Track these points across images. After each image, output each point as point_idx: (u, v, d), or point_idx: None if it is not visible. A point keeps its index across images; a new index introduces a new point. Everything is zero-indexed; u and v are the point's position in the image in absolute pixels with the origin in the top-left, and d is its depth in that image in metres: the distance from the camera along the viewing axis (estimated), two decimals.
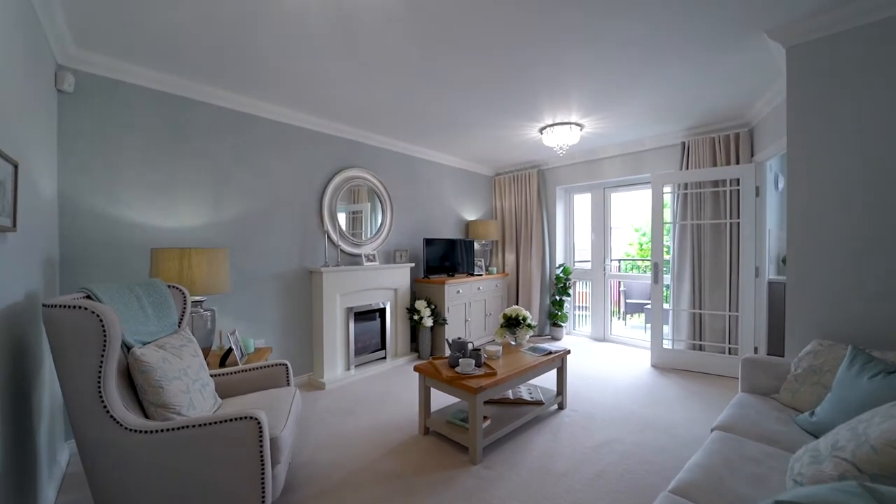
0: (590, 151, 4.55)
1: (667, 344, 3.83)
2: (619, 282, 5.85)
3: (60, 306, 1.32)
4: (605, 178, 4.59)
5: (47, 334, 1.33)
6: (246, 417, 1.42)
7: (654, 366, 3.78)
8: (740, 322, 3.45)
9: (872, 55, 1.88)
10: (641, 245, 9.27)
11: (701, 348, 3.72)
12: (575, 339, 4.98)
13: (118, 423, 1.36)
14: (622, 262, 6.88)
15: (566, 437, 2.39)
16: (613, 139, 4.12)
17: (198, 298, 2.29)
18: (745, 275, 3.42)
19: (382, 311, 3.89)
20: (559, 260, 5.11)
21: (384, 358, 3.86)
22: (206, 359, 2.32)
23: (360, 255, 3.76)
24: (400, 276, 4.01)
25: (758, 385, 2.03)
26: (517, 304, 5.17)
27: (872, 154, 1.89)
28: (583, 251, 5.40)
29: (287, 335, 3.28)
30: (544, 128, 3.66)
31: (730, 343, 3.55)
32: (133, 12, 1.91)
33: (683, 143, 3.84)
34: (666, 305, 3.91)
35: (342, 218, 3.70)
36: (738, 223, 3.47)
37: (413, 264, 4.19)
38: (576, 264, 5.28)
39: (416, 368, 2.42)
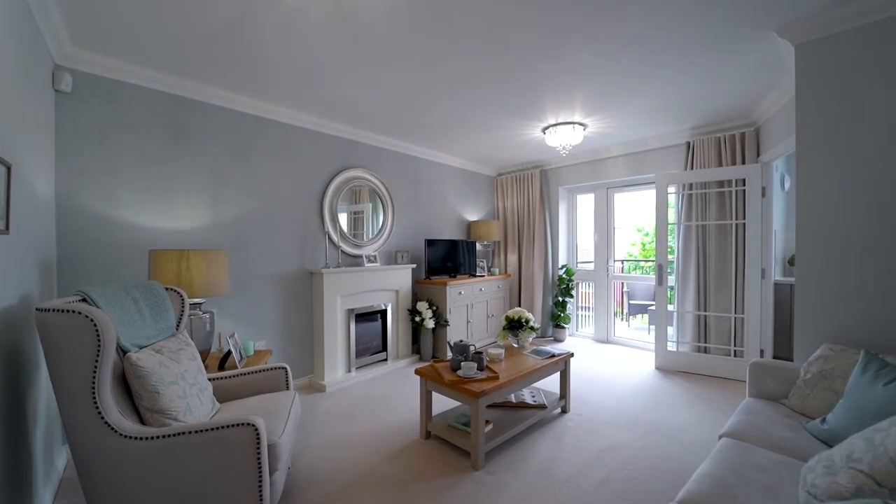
0: (593, 151, 4.51)
1: (671, 346, 3.78)
2: (622, 283, 5.81)
3: (54, 310, 1.29)
4: (608, 178, 4.54)
5: (41, 339, 1.31)
6: (243, 424, 1.39)
7: (658, 368, 3.74)
8: (746, 324, 3.40)
9: (885, 52, 1.83)
10: (644, 245, 9.21)
11: (706, 351, 3.67)
12: (578, 340, 4.93)
13: (113, 429, 1.33)
14: (625, 262, 6.84)
15: (570, 442, 2.36)
16: (617, 139, 4.08)
17: (196, 300, 2.27)
18: (751, 276, 3.37)
19: (384, 313, 3.86)
20: (562, 261, 5.07)
21: (385, 360, 3.83)
22: (204, 361, 2.30)
23: (361, 256, 3.73)
24: (401, 277, 3.97)
25: (766, 390, 1.98)
26: (519, 305, 5.13)
27: (885, 153, 1.84)
28: (585, 252, 5.36)
29: (287, 337, 3.25)
30: (547, 127, 3.62)
31: (735, 346, 3.50)
32: (131, 11, 1.88)
33: (688, 143, 3.79)
34: (670, 307, 3.86)
35: (343, 218, 3.67)
36: (744, 224, 3.42)
37: (414, 265, 4.16)
38: (578, 265, 5.24)
39: (417, 372, 2.38)
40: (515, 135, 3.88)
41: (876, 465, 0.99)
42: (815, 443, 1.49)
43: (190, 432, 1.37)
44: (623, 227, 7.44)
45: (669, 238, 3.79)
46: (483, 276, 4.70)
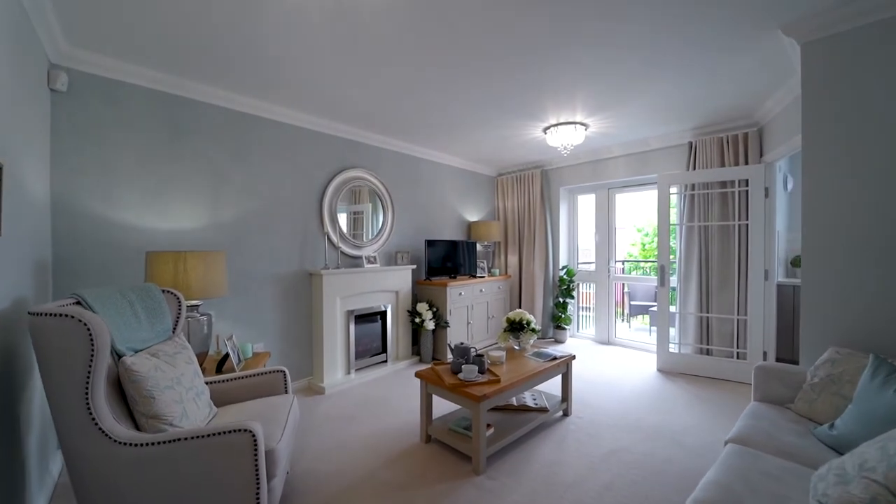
0: (594, 151, 4.48)
1: (673, 348, 3.76)
2: (623, 284, 5.79)
3: (46, 314, 1.26)
4: (609, 178, 4.51)
5: (33, 343, 1.28)
6: (240, 430, 1.36)
7: (660, 370, 3.71)
8: (749, 326, 3.37)
9: (892, 51, 1.80)
10: (644, 245, 9.18)
11: (708, 352, 3.65)
12: (579, 341, 4.91)
13: (106, 435, 1.30)
14: (625, 263, 6.81)
15: (572, 446, 2.33)
16: (618, 139, 4.05)
17: (194, 302, 2.24)
18: (754, 277, 3.34)
19: (383, 314, 3.83)
20: (562, 261, 5.04)
21: (385, 361, 3.80)
22: (202, 364, 2.27)
23: (360, 257, 3.70)
24: (401, 278, 3.95)
25: (771, 394, 1.96)
26: (520, 306, 5.10)
27: (894, 152, 1.81)
28: (586, 252, 5.33)
29: (286, 339, 3.22)
30: (548, 127, 3.59)
31: (738, 347, 3.47)
32: (128, 9, 1.85)
33: (690, 143, 3.76)
34: (672, 308, 3.83)
35: (343, 219, 3.64)
36: (747, 225, 3.39)
37: (414, 266, 4.13)
38: (579, 266, 5.21)
39: (417, 375, 2.36)
40: (516, 134, 3.85)
41: (891, 475, 0.97)
42: (824, 449, 1.46)
43: (186, 438, 1.34)
44: (623, 228, 7.40)
45: (671, 239, 3.76)
46: (483, 276, 4.68)
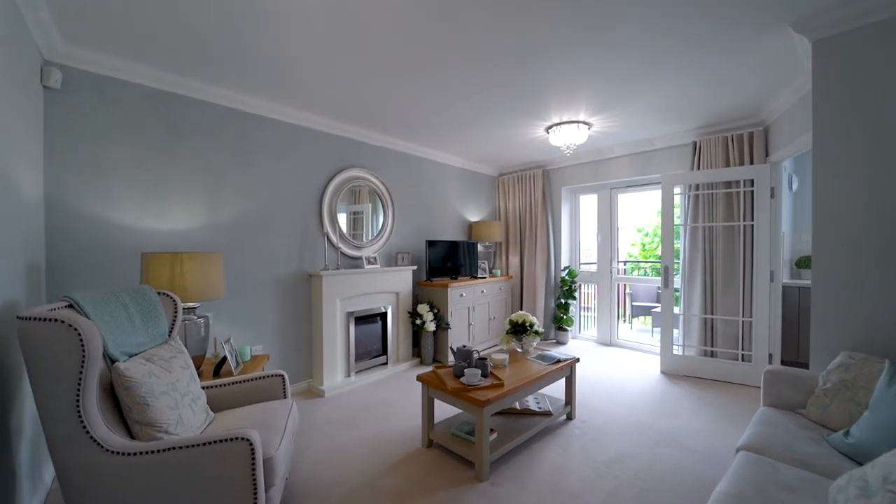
0: (597, 151, 4.44)
1: (677, 350, 3.71)
2: (624, 284, 5.74)
3: (35, 319, 1.21)
4: (612, 178, 4.47)
5: (21, 349, 1.23)
6: (237, 438, 1.32)
7: (663, 372, 3.67)
8: (754, 328, 3.33)
9: None
10: (644, 245, 9.13)
11: (713, 355, 3.60)
12: (581, 343, 4.86)
13: (98, 444, 1.25)
14: (626, 263, 6.77)
15: (577, 451, 2.28)
16: (622, 138, 4.00)
17: (191, 305, 2.19)
18: (760, 279, 3.30)
19: (384, 316, 3.78)
20: (564, 262, 5.00)
21: (385, 363, 3.76)
22: (199, 367, 2.22)
23: (360, 258, 3.65)
24: (402, 279, 3.90)
25: (782, 399, 1.91)
26: (521, 307, 5.06)
27: None
28: (587, 252, 5.29)
29: (285, 341, 3.17)
30: (551, 127, 3.55)
31: (743, 350, 3.43)
32: (123, 6, 1.81)
33: (695, 143, 3.72)
34: (675, 310, 3.79)
35: (342, 219, 3.59)
36: (752, 225, 3.35)
37: (415, 267, 4.09)
38: (581, 266, 5.16)
39: (419, 378, 2.31)
40: (518, 134, 3.80)
41: None
42: (840, 458, 1.42)
43: (180, 447, 1.29)
44: (624, 228, 7.36)
45: (675, 239, 3.72)
46: (485, 277, 4.63)
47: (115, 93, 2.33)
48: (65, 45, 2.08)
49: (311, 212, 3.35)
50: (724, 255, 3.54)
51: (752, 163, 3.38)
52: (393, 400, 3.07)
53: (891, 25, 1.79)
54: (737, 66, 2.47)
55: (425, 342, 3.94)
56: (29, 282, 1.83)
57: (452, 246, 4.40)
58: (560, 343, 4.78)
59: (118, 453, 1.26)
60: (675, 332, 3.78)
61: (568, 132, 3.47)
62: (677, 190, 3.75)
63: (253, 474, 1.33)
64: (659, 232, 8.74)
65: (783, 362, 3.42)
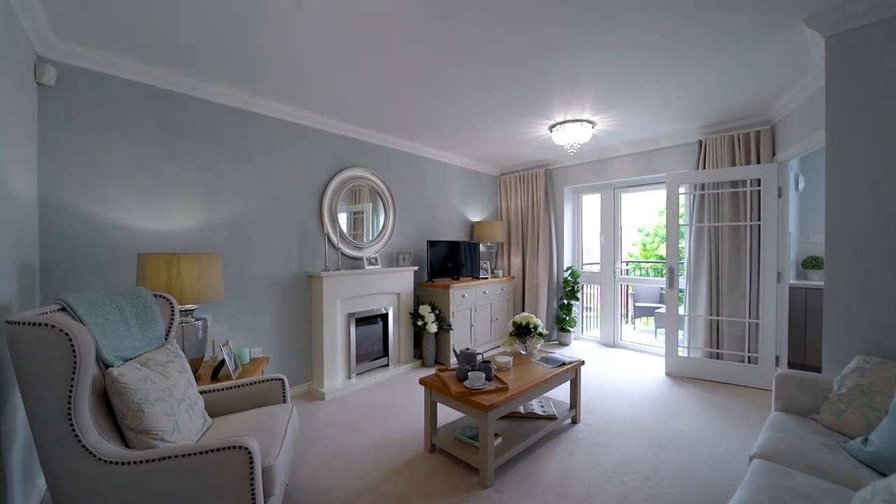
0: (600, 150, 4.39)
1: (682, 351, 3.66)
2: (626, 285, 5.68)
3: (25, 323, 1.17)
4: (615, 178, 4.42)
5: (11, 355, 1.18)
6: (235, 447, 1.27)
7: (668, 374, 3.62)
8: (760, 330, 3.28)
9: None
10: (644, 245, 9.08)
11: (718, 356, 3.55)
12: (583, 344, 4.82)
13: (91, 453, 1.21)
14: (628, 263, 6.71)
15: (582, 456, 2.24)
16: (626, 137, 3.95)
17: (188, 307, 2.14)
18: (767, 280, 3.25)
19: (385, 317, 3.74)
20: (567, 262, 4.95)
21: (386, 365, 3.71)
22: (197, 370, 2.18)
23: (361, 258, 3.61)
24: (403, 279, 3.85)
25: (794, 404, 1.86)
26: (523, 308, 5.01)
27: None
28: (589, 253, 5.24)
29: (285, 343, 3.12)
30: (554, 125, 3.50)
31: (749, 352, 3.38)
32: (120, 1, 1.76)
33: (700, 142, 3.67)
34: (680, 310, 3.74)
35: (343, 219, 3.54)
36: (759, 225, 3.30)
37: (416, 267, 4.04)
38: (584, 267, 5.12)
39: (422, 382, 2.26)
40: (521, 133, 3.75)
41: None
42: (859, 466, 1.37)
43: (176, 456, 1.25)
44: (625, 228, 7.32)
45: (679, 239, 3.67)
46: (487, 278, 4.58)
47: (111, 90, 2.28)
48: (59, 41, 2.03)
49: (312, 212, 3.30)
50: (730, 255, 3.49)
51: (758, 162, 3.33)
52: (394, 402, 3.03)
53: None
54: (745, 65, 2.43)
55: (427, 344, 3.90)
56: (22, 283, 1.78)
57: (454, 246, 4.35)
58: (563, 344, 4.74)
59: (111, 462, 1.21)
60: (680, 333, 3.73)
61: (572, 131, 3.42)
62: (682, 190, 3.70)
63: (251, 484, 1.29)
64: (660, 232, 8.70)
65: (789, 364, 3.37)
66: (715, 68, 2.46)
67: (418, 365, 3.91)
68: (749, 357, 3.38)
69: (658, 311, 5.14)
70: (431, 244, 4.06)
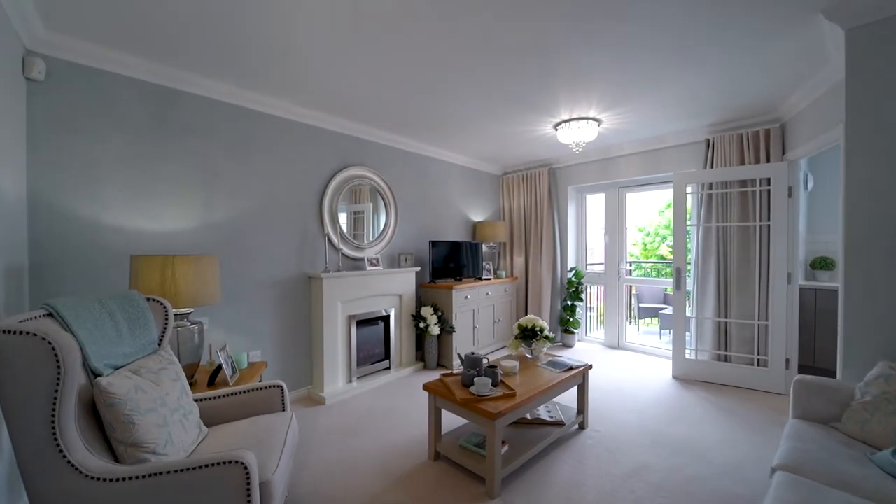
0: (605, 149, 4.32)
1: (689, 354, 3.59)
2: (629, 286, 5.61)
3: (4, 331, 1.09)
4: (620, 177, 4.34)
5: None
6: (230, 462, 1.20)
7: (675, 377, 3.55)
8: (770, 332, 3.21)
9: None
10: (645, 245, 9.02)
11: (726, 359, 3.48)
12: (588, 346, 4.75)
13: (77, 469, 1.13)
14: (631, 264, 6.64)
15: (591, 464, 2.16)
16: (632, 136, 3.88)
17: (184, 310, 2.06)
18: (776, 281, 3.18)
19: (386, 319, 3.66)
20: (571, 263, 4.87)
21: (388, 368, 3.63)
22: (193, 376, 2.11)
23: (362, 259, 3.53)
24: (405, 280, 3.78)
25: (813, 411, 1.79)
26: (526, 309, 4.94)
27: None
28: (592, 253, 5.16)
29: (284, 347, 3.05)
30: (559, 123, 3.43)
31: (758, 354, 3.31)
32: None
33: (708, 141, 3.60)
34: (687, 312, 3.67)
35: (343, 219, 3.46)
36: (769, 226, 3.23)
37: (418, 268, 3.96)
38: (588, 267, 5.05)
39: (425, 387, 2.19)
40: (525, 131, 3.68)
41: None
42: (890, 480, 1.30)
43: (168, 472, 1.17)
44: (627, 228, 7.26)
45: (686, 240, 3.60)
46: (489, 279, 4.51)
47: (103, 85, 2.20)
48: (48, 33, 1.95)
49: (312, 212, 3.22)
50: (739, 256, 3.42)
51: (768, 161, 3.26)
52: (397, 407, 2.95)
53: None
54: (756, 62, 2.37)
55: (429, 346, 3.82)
56: (9, 287, 1.70)
57: (456, 246, 4.27)
58: (566, 346, 4.67)
59: (98, 479, 1.14)
60: (686, 335, 3.66)
61: (577, 129, 3.35)
62: (688, 189, 3.63)
63: (248, 500, 1.21)
64: (661, 231, 8.63)
65: (799, 367, 3.30)
66: (729, 61, 2.38)
67: (420, 368, 3.84)
68: (758, 360, 3.31)
69: (662, 312, 5.07)
70: (433, 244, 3.99)
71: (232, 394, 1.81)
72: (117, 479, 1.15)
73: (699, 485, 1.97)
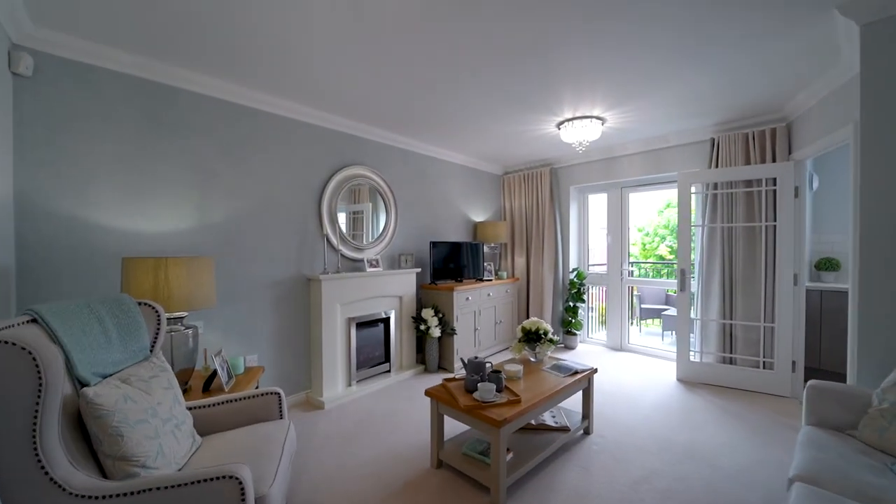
0: (608, 149, 4.26)
1: (693, 356, 3.54)
2: (630, 287, 5.56)
3: None
4: (623, 177, 4.29)
5: None
6: (224, 477, 1.13)
7: (680, 380, 3.50)
8: (776, 334, 3.17)
9: None
10: (644, 245, 8.98)
11: (732, 361, 3.44)
12: (590, 347, 4.70)
13: (59, 486, 1.07)
14: (632, 264, 6.60)
15: (598, 471, 2.11)
16: (635, 135, 3.83)
17: (178, 314, 2.00)
18: (783, 282, 3.13)
19: (386, 321, 3.60)
20: (572, 264, 4.82)
21: (388, 371, 3.57)
22: (188, 381, 2.04)
23: (362, 261, 3.47)
24: (405, 282, 3.71)
25: (827, 418, 1.74)
26: (528, 310, 4.88)
27: None
28: (593, 253, 5.11)
29: (282, 350, 2.98)
30: (562, 122, 3.37)
31: (764, 356, 3.26)
32: None
33: (712, 140, 3.55)
34: (691, 314, 3.62)
35: (342, 219, 3.40)
36: (775, 226, 3.18)
37: (419, 269, 3.90)
38: (590, 268, 4.99)
39: (427, 393, 2.13)
40: (528, 130, 3.62)
41: None
42: None
43: (158, 488, 1.11)
44: (630, 228, 7.21)
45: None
46: (491, 280, 4.45)
47: (94, 81, 2.13)
48: (36, 27, 1.88)
49: (310, 212, 3.16)
50: (745, 257, 3.37)
51: (774, 160, 3.21)
52: (397, 411, 2.89)
53: None
54: (763, 60, 2.32)
55: (430, 348, 3.76)
56: None
57: (457, 247, 4.21)
58: (569, 348, 4.61)
59: (83, 496, 1.07)
60: (691, 337, 3.61)
61: (581, 128, 3.29)
62: (693, 189, 3.58)
63: None
64: (660, 231, 8.58)
65: (807, 370, 3.26)
66: (737, 59, 2.33)
67: (421, 370, 3.78)
68: (764, 363, 3.26)
69: (665, 313, 5.02)
70: (434, 245, 3.92)
71: (227, 401, 1.74)
72: (103, 497, 1.08)
73: (708, 492, 1.92)
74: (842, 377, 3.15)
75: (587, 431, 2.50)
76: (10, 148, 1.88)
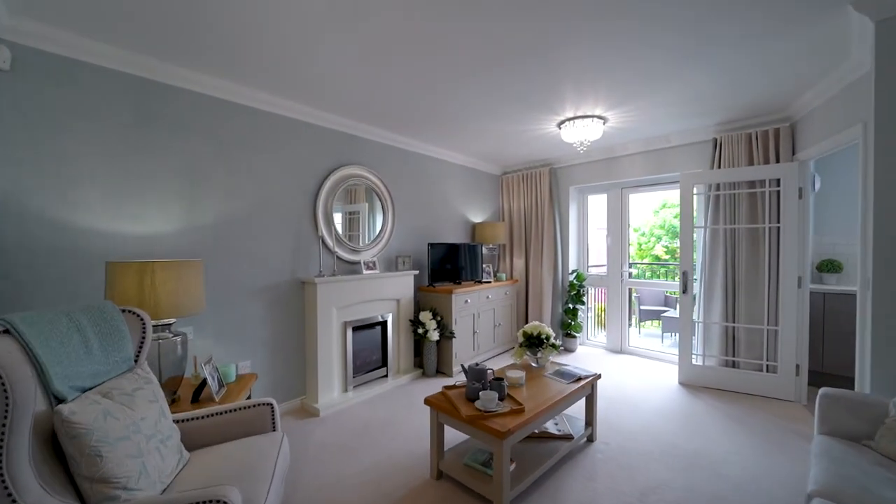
0: (609, 149, 4.20)
1: (696, 359, 3.49)
2: (631, 288, 5.52)
3: None
4: (624, 177, 4.24)
5: None
6: (210, 501, 1.05)
7: (682, 383, 3.45)
8: (780, 337, 3.12)
9: None
10: (640, 245, 8.95)
11: (734, 365, 3.39)
12: (590, 349, 4.64)
13: None
14: (631, 265, 6.55)
15: (604, 481, 2.04)
16: (637, 134, 3.77)
17: (166, 321, 1.91)
18: (787, 284, 3.09)
19: (383, 325, 3.51)
20: (572, 265, 4.76)
21: (385, 376, 3.49)
22: (177, 390, 1.95)
23: (358, 263, 3.38)
24: (403, 284, 3.63)
25: (841, 428, 1.68)
26: (527, 312, 4.82)
27: None
28: (593, 255, 5.05)
29: (276, 356, 2.89)
30: (563, 122, 3.30)
31: (768, 360, 3.22)
32: None
33: (715, 140, 3.50)
34: (693, 316, 3.57)
35: (338, 220, 3.31)
36: (778, 228, 3.14)
37: (417, 271, 3.82)
38: (590, 270, 4.94)
39: (427, 402, 2.05)
40: (528, 129, 3.55)
41: None
42: None
43: None
44: (630, 229, 7.17)
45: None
46: (489, 282, 4.38)
47: (77, 76, 2.03)
48: (13, 18, 1.78)
49: (305, 213, 3.07)
50: (748, 259, 3.33)
51: (777, 161, 3.17)
52: (395, 417, 2.81)
53: None
54: (780, 52, 2.23)
55: (428, 352, 3.68)
56: None
57: (455, 249, 4.14)
58: (568, 350, 4.55)
59: None
60: (693, 339, 3.56)
61: (582, 127, 3.23)
62: (695, 190, 3.53)
63: None
64: (655, 231, 8.54)
65: (812, 373, 3.22)
66: (747, 56, 2.27)
67: (419, 375, 3.70)
68: (767, 366, 3.21)
69: (665, 314, 4.98)
70: (432, 247, 3.85)
71: (217, 413, 1.66)
72: None
73: (719, 502, 1.86)
74: (845, 380, 3.11)
75: (591, 439, 2.44)
76: None
